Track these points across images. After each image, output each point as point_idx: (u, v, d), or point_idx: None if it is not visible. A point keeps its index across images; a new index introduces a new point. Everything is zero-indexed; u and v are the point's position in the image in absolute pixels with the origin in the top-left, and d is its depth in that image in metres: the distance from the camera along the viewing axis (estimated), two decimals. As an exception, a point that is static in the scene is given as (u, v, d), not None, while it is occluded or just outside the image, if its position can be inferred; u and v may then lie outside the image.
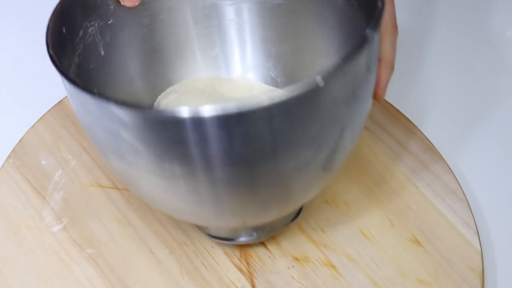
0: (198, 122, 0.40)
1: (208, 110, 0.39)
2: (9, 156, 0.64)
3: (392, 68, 0.56)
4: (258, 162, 0.43)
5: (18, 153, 0.64)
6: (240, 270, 0.60)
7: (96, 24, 0.55)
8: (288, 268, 0.60)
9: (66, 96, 0.68)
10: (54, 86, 0.71)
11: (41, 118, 0.67)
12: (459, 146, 0.71)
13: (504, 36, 0.79)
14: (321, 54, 0.61)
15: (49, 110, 0.67)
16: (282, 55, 0.65)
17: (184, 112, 0.39)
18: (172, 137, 0.42)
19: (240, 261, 0.61)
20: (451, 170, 0.67)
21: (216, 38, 0.65)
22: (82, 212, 0.62)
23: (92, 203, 0.63)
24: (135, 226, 0.62)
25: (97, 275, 0.59)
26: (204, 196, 0.46)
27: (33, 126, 0.66)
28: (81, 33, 0.53)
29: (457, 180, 0.67)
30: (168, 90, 0.64)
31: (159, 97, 0.64)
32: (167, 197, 0.48)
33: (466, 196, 0.66)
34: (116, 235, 0.61)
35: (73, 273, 0.59)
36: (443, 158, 0.68)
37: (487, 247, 0.64)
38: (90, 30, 0.54)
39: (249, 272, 0.60)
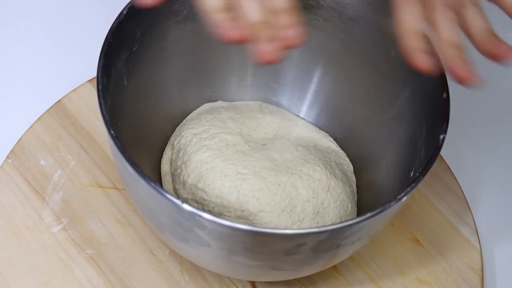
0: (271, 235, 0.45)
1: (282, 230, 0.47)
2: (8, 157, 0.64)
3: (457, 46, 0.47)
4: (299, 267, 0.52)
5: (17, 153, 0.64)
6: (241, 270, 0.60)
7: (123, 56, 0.53)
8: (289, 267, 0.60)
9: (64, 96, 0.68)
10: (52, 86, 0.71)
11: (39, 118, 0.67)
12: (458, 146, 0.71)
13: (504, 37, 0.79)
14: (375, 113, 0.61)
15: (47, 110, 0.67)
16: (342, 106, 0.64)
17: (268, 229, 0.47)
18: (248, 242, 0.46)
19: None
20: (450, 169, 0.67)
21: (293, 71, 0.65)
22: (82, 212, 0.62)
23: (91, 203, 0.62)
24: (135, 226, 0.61)
25: (97, 275, 0.59)
26: (254, 271, 0.52)
27: (31, 126, 0.66)
28: (113, 72, 0.51)
29: (456, 179, 0.67)
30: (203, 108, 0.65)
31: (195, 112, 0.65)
32: (217, 268, 0.54)
33: (465, 195, 0.66)
34: (116, 235, 0.61)
35: (73, 273, 0.59)
36: (442, 158, 0.68)
37: (486, 246, 0.65)
38: (119, 65, 0.53)
39: (250, 272, 0.60)
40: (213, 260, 0.51)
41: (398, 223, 0.64)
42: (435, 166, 0.67)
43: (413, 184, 0.46)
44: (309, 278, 0.60)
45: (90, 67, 0.70)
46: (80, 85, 0.69)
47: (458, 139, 0.71)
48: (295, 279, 0.60)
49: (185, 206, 0.44)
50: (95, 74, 0.69)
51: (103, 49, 0.49)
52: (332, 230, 0.44)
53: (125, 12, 0.51)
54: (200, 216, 0.44)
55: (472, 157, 0.71)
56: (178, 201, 0.44)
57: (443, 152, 0.67)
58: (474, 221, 0.65)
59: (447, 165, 0.68)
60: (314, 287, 0.60)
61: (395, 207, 0.46)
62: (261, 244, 0.46)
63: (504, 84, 0.77)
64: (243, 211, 0.57)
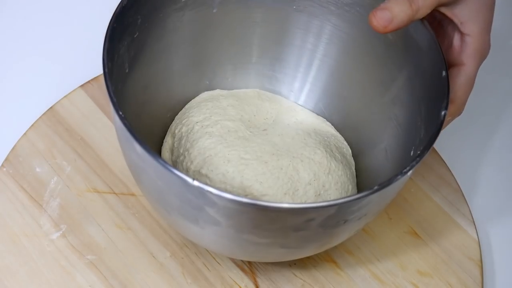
0: (278, 210, 0.46)
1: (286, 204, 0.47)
2: (2, 165, 0.63)
3: (460, 111, 0.56)
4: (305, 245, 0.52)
5: (11, 161, 0.64)
6: (243, 269, 0.60)
7: (125, 42, 0.53)
8: (290, 265, 0.60)
9: (57, 102, 0.68)
10: (44, 93, 0.70)
11: (32, 125, 0.66)
12: (451, 138, 0.71)
13: (505, 44, 0.80)
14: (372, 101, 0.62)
15: (40, 117, 0.67)
16: (339, 92, 0.65)
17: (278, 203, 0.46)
18: (257, 218, 0.47)
19: (242, 260, 0.61)
20: (444, 162, 0.68)
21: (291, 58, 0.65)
22: (80, 218, 0.61)
23: (89, 208, 0.62)
24: (134, 230, 0.61)
25: (99, 281, 0.58)
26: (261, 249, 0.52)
27: (25, 133, 0.65)
28: (116, 58, 0.52)
29: (450, 171, 0.68)
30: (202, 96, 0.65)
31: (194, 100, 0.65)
32: (223, 248, 0.55)
33: (460, 187, 0.67)
34: (116, 240, 0.61)
35: (75, 279, 0.58)
36: (436, 151, 0.68)
37: (483, 236, 0.65)
38: (121, 51, 0.53)
39: (252, 271, 0.60)
40: (220, 239, 0.51)
41: (396, 217, 0.64)
42: (429, 159, 0.68)
43: (417, 158, 0.47)
44: (311, 275, 0.60)
45: (81, 73, 0.71)
46: (72, 91, 0.69)
47: (450, 131, 0.72)
48: (297, 276, 0.60)
49: (196, 183, 0.44)
50: (86, 80, 0.70)
51: (107, 33, 0.50)
52: (341, 204, 0.45)
53: None
54: (211, 192, 0.44)
55: (465, 149, 0.72)
56: (188, 178, 0.44)
57: (436, 145, 0.68)
58: (470, 212, 0.65)
59: (441, 158, 0.68)
60: (317, 284, 0.60)
61: (401, 181, 0.47)
62: (271, 220, 0.47)
63: (491, 77, 0.78)
64: (246, 195, 0.57)
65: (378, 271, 0.61)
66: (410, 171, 0.47)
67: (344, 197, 0.46)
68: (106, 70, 0.48)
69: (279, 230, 0.48)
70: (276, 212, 0.45)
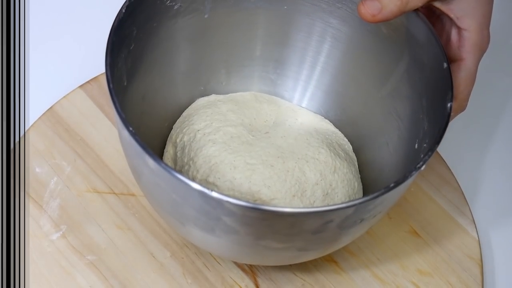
0: (296, 214, 0.46)
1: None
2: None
3: (463, 107, 0.55)
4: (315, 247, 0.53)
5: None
6: (243, 269, 0.60)
7: (123, 55, 0.53)
8: (290, 265, 0.60)
9: (56, 103, 0.68)
10: (44, 93, 0.70)
11: (32, 125, 0.66)
12: (451, 138, 0.71)
13: (505, 43, 0.80)
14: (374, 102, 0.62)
15: (40, 117, 0.67)
16: (334, 88, 0.65)
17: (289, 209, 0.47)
18: (277, 224, 0.47)
19: (242, 260, 0.61)
20: (445, 161, 0.68)
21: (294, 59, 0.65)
22: (80, 218, 0.61)
23: (89, 209, 0.62)
24: (134, 231, 0.61)
25: (99, 281, 0.58)
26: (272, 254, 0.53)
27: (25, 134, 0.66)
28: (115, 71, 0.51)
29: (450, 170, 0.67)
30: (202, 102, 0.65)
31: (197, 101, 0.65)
32: (239, 255, 0.55)
33: (460, 186, 0.67)
34: (116, 240, 0.61)
35: (75, 280, 0.58)
36: (436, 150, 0.68)
37: (483, 235, 0.65)
38: (119, 64, 0.52)
39: (252, 271, 0.60)
40: (237, 247, 0.51)
41: (396, 216, 0.64)
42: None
43: (429, 153, 0.48)
44: (312, 275, 0.60)
45: (80, 73, 0.71)
46: (72, 91, 0.69)
47: (450, 131, 0.72)
48: (297, 276, 0.60)
49: (214, 194, 0.44)
50: (85, 80, 0.70)
51: (108, 48, 0.50)
52: (359, 204, 0.45)
53: (124, 10, 0.51)
54: (229, 202, 0.44)
55: (465, 149, 0.72)
56: (206, 190, 0.44)
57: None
58: (470, 211, 0.65)
59: (441, 157, 0.68)
60: (317, 284, 0.60)
61: (414, 176, 0.48)
62: (291, 225, 0.47)
63: (492, 76, 0.78)
64: (255, 200, 0.57)
65: (379, 271, 0.61)
66: (423, 166, 0.47)
67: (361, 198, 0.46)
68: (112, 86, 0.48)
69: (298, 234, 0.48)
70: (295, 216, 0.46)
